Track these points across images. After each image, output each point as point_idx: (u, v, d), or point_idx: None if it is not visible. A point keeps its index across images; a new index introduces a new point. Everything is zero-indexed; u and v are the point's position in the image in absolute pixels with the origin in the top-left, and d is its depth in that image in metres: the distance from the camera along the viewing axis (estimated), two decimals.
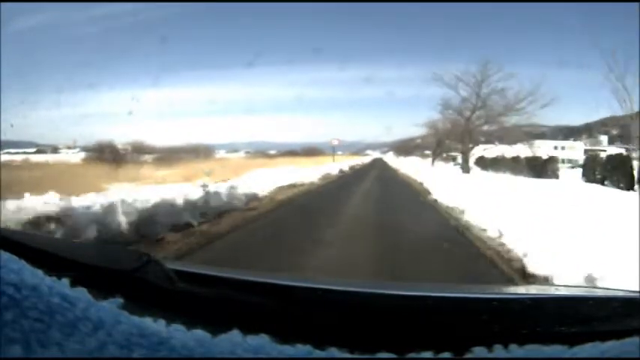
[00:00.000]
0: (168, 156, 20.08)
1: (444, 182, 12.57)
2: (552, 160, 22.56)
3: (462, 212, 7.45)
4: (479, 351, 0.44)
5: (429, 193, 11.36)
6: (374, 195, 11.90)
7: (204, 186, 7.98)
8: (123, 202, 5.68)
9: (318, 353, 0.42)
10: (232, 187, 8.82)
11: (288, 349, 0.41)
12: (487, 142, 27.29)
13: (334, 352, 0.43)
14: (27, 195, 5.69)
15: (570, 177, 18.60)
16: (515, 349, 0.43)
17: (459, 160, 36.18)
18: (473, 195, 8.75)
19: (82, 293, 0.41)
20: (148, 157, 19.92)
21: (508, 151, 27.84)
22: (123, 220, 5.40)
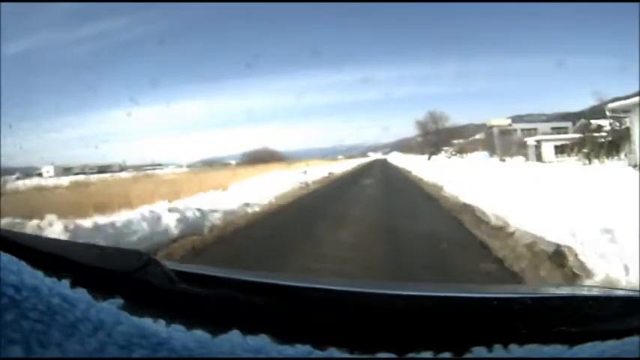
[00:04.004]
0: None
1: None
2: None
3: None
4: (479, 351, 0.44)
5: None
6: None
7: None
8: None
9: (317, 353, 0.42)
10: None
11: (288, 349, 0.41)
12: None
13: (334, 352, 0.43)
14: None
15: None
16: (515, 349, 0.43)
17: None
18: None
19: (82, 294, 0.41)
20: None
21: None
22: None
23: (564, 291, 1.01)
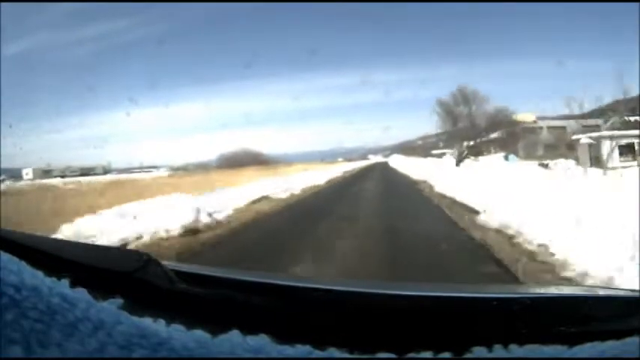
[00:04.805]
0: None
1: None
2: None
3: None
4: (479, 351, 0.44)
5: None
6: None
7: None
8: None
9: (317, 353, 0.42)
10: None
11: (287, 349, 0.41)
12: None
13: (334, 352, 0.43)
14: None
15: None
16: (515, 349, 0.43)
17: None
18: None
19: (82, 294, 0.41)
20: None
21: None
22: None
23: (564, 291, 1.01)
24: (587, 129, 24.12)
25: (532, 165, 19.86)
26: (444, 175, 13.31)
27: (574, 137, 22.79)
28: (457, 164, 23.64)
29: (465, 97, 27.18)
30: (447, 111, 27.61)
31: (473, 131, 26.27)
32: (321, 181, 17.49)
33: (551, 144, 24.78)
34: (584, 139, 21.34)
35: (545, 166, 19.97)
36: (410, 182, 15.49)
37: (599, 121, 25.14)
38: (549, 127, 26.18)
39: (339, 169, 27.52)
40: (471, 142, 26.18)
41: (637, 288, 2.65)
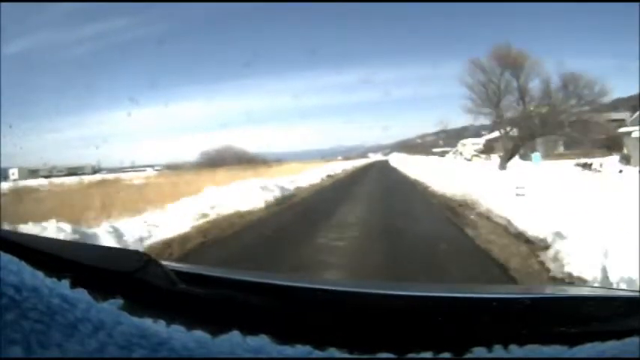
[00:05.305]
0: None
1: None
2: None
3: None
4: (479, 351, 0.44)
5: None
6: None
7: None
8: None
9: (317, 353, 0.42)
10: None
11: (288, 349, 0.41)
12: None
13: (334, 352, 0.43)
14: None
15: None
16: (515, 349, 0.43)
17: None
18: None
19: (82, 294, 0.41)
20: None
21: None
22: None
23: (564, 292, 1.01)
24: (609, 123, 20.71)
25: (569, 166, 16.09)
26: (500, 191, 7.51)
27: (622, 130, 17.98)
28: (502, 166, 17.24)
29: (513, 60, 17.18)
30: (485, 81, 17.93)
31: (527, 117, 17.19)
32: (268, 196, 10.14)
33: (576, 140, 20.42)
34: (637, 133, 16.51)
35: (589, 166, 16.02)
36: (441, 205, 8.58)
37: (624, 115, 21.94)
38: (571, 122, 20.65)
39: (326, 172, 22.08)
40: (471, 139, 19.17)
41: (637, 288, 2.66)
